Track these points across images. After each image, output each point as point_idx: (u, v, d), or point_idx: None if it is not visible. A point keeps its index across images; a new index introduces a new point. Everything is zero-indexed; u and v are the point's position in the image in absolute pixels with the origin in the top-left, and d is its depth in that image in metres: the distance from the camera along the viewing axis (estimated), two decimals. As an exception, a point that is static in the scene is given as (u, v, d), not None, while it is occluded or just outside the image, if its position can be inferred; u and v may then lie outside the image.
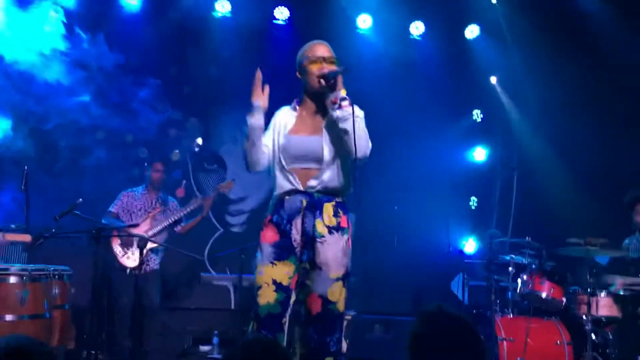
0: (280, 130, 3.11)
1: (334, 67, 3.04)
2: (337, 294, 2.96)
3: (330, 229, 2.97)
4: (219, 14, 6.95)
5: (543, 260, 5.71)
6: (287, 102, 7.12)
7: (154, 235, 5.33)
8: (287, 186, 3.02)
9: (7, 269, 3.69)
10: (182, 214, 5.51)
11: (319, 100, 3.10)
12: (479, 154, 7.78)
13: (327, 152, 3.02)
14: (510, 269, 5.62)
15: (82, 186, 5.96)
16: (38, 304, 3.71)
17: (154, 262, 5.45)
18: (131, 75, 6.69)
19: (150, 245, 5.14)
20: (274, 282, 2.95)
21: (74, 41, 6.05)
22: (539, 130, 7.29)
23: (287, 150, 3.04)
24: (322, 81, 3.01)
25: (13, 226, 3.77)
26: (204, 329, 6.27)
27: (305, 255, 3.00)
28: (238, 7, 6.90)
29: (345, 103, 2.96)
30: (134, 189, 5.62)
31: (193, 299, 6.64)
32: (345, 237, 3.01)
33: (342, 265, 2.98)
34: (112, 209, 5.44)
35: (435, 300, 6.89)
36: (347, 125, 2.94)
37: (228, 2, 6.92)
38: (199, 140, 7.09)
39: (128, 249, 5.31)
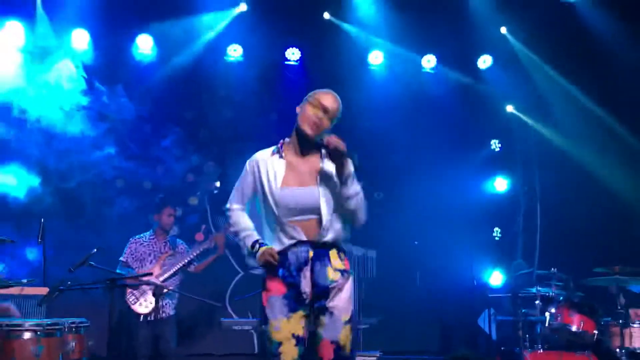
0: (270, 180, 2.97)
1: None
2: (346, 337, 2.91)
3: (342, 273, 2.96)
4: (231, 58, 7.04)
5: (570, 291, 5.52)
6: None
7: (165, 280, 5.31)
8: (289, 240, 2.94)
9: (21, 325, 3.67)
10: (192, 255, 5.48)
11: (305, 142, 3.01)
12: (500, 184, 7.66)
13: (324, 202, 2.95)
14: (537, 302, 5.44)
15: (105, 237, 5.97)
16: (53, 359, 3.67)
17: (169, 308, 5.41)
18: (150, 124, 6.80)
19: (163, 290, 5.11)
20: (294, 336, 2.90)
21: (93, 95, 6.18)
22: (560, 157, 7.16)
23: (283, 204, 2.93)
24: (327, 146, 2.91)
25: (24, 280, 3.76)
26: (227, 375, 6.18)
27: (317, 304, 2.94)
28: (250, 51, 7.00)
29: (354, 180, 2.98)
30: (142, 235, 5.61)
31: (215, 345, 6.55)
32: (351, 279, 3.00)
33: (350, 308, 2.95)
34: (123, 257, 5.45)
35: (463, 338, 6.72)
36: (355, 202, 2.98)
37: (240, 46, 7.02)
38: (217, 184, 7.12)
39: (141, 296, 5.28)
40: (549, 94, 7.06)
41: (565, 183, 7.07)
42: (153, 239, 5.58)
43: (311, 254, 2.93)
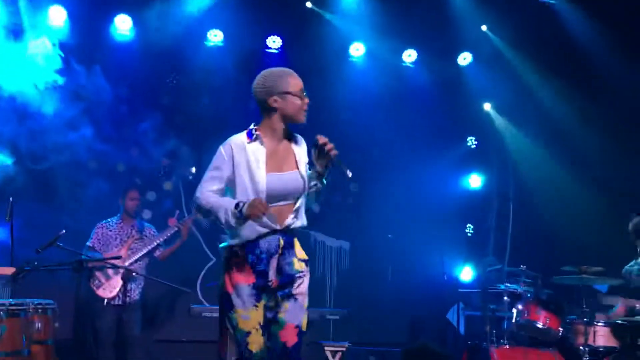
0: (252, 166, 2.91)
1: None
2: (305, 322, 2.99)
3: (305, 262, 3.00)
4: (211, 43, 6.96)
5: (538, 289, 5.61)
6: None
7: (131, 264, 5.25)
8: (263, 228, 2.90)
9: (-16, 304, 3.61)
10: (159, 240, 5.44)
11: (285, 127, 3.03)
12: (475, 180, 7.73)
13: (305, 185, 2.98)
14: (505, 298, 5.52)
15: (77, 219, 5.87)
16: (15, 340, 3.61)
17: (135, 293, 5.36)
18: (127, 106, 6.70)
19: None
20: (261, 326, 2.90)
21: (69, 74, 6.06)
22: (535, 157, 7.25)
23: (270, 190, 2.89)
24: (321, 145, 2.95)
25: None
26: (196, 362, 6.15)
27: (281, 292, 2.95)
28: (230, 36, 6.92)
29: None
30: (108, 220, 5.54)
31: (184, 331, 6.51)
32: (308, 268, 3.03)
33: (307, 295, 3.01)
34: (89, 242, 5.37)
35: (432, 331, 6.80)
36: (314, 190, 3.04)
37: (220, 32, 6.94)
38: (193, 169, 7.05)
39: (106, 281, 5.22)
40: (527, 93, 7.13)
41: (538, 183, 7.18)
42: (120, 223, 5.51)
43: (282, 242, 2.92)
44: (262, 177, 2.90)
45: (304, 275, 2.98)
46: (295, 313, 2.93)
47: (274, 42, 7.11)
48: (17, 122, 5.73)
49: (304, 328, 2.95)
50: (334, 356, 5.78)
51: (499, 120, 7.53)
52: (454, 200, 7.44)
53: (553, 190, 7.06)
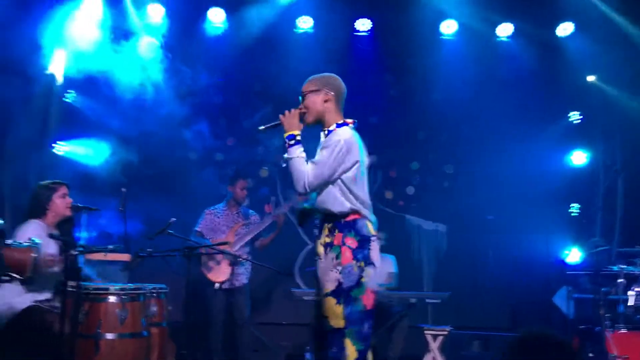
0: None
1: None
2: (328, 309, 3.00)
3: (326, 247, 3.10)
4: (301, 30, 6.99)
5: (657, 270, 5.24)
6: (372, 111, 6.97)
7: (238, 249, 5.41)
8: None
9: (107, 289, 3.82)
10: (263, 226, 5.57)
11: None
12: (578, 157, 7.31)
13: None
14: (620, 280, 5.20)
15: (183, 207, 6.11)
16: (136, 322, 3.81)
17: (243, 277, 5.54)
18: (221, 96, 6.89)
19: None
20: None
21: (172, 70, 6.32)
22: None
23: None
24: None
25: (111, 247, 3.91)
26: (298, 345, 6.27)
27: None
28: (320, 22, 6.93)
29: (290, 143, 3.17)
30: (216, 206, 5.74)
31: (285, 314, 6.65)
32: (334, 254, 3.05)
33: (332, 280, 3.01)
34: (197, 227, 5.60)
35: (536, 315, 6.51)
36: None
37: (310, 18, 6.95)
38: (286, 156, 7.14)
39: (216, 265, 5.42)
40: (636, 63, 6.63)
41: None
42: (226, 210, 5.70)
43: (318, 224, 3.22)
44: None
45: (319, 259, 3.11)
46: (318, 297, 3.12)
47: (364, 25, 7.04)
48: (126, 118, 6.03)
49: (324, 313, 3.01)
50: (434, 340, 5.70)
51: (605, 92, 7.06)
52: (557, 179, 7.08)
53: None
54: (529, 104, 6.99)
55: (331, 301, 2.98)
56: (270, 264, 5.44)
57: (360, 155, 3.13)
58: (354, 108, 7.22)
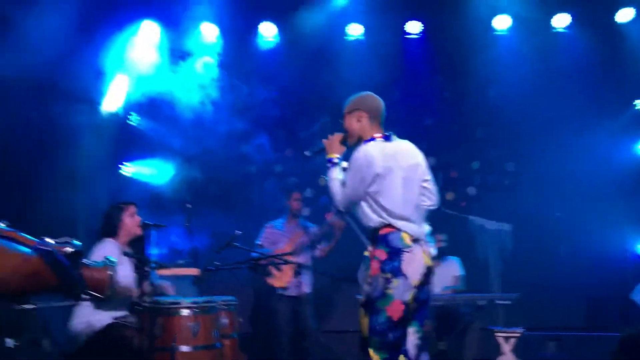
0: None
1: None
2: (360, 319, 3.19)
3: (363, 259, 3.25)
4: (352, 38, 7.02)
5: None
6: (427, 114, 6.88)
7: (299, 259, 5.47)
8: None
9: (178, 303, 3.93)
10: (320, 233, 5.65)
11: None
12: (649, 147, 7.02)
13: None
14: None
15: (245, 221, 6.24)
16: (209, 334, 3.90)
17: (306, 286, 5.60)
18: (277, 108, 6.99)
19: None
20: None
21: (229, 86, 6.48)
22: None
23: None
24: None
25: (180, 261, 4.03)
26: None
27: None
28: (370, 28, 6.93)
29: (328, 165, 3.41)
30: (276, 220, 5.88)
31: (351, 322, 6.62)
32: (365, 266, 3.19)
33: (364, 292, 3.18)
34: (259, 241, 5.72)
35: (614, 313, 6.25)
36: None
37: (360, 25, 6.97)
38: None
39: (279, 275, 5.53)
40: None
41: None
42: (285, 222, 5.84)
43: None
44: None
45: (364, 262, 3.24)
46: None
47: (414, 28, 7.00)
48: (188, 136, 6.22)
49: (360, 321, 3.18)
50: (507, 342, 5.56)
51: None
52: (625, 170, 6.81)
53: None
54: (591, 95, 6.77)
55: (361, 312, 3.15)
56: (332, 272, 5.49)
57: (386, 167, 3.16)
58: (408, 111, 7.20)
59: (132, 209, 4.34)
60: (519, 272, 6.55)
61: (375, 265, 3.09)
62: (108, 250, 3.97)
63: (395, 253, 3.07)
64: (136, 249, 4.21)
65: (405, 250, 3.08)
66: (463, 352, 5.65)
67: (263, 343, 5.47)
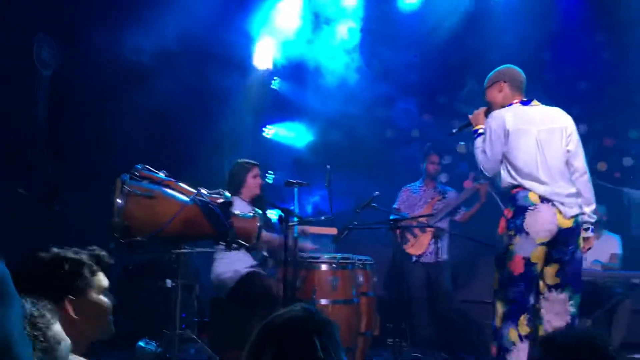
0: None
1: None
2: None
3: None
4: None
5: None
6: (581, 77, 6.42)
7: (435, 223, 5.38)
8: None
9: (318, 257, 4.08)
10: (461, 200, 5.49)
11: None
12: None
13: None
14: None
15: (382, 183, 6.28)
16: (347, 290, 4.01)
17: (443, 251, 5.48)
18: (417, 73, 6.88)
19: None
20: None
21: (371, 51, 6.49)
22: None
23: None
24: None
25: (323, 218, 4.18)
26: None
27: None
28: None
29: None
30: (413, 184, 5.78)
31: (489, 291, 6.44)
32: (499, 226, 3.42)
33: (496, 250, 3.50)
34: (395, 205, 5.67)
35: None
36: None
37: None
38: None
39: (414, 239, 5.45)
40: None
41: None
42: (422, 186, 5.74)
43: None
44: None
45: None
46: None
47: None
48: (330, 100, 6.33)
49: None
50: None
51: None
52: None
53: None
54: None
55: (495, 268, 3.38)
56: (474, 237, 5.33)
57: (517, 127, 3.32)
58: (559, 77, 6.74)
59: (255, 170, 4.52)
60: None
61: (502, 223, 3.32)
62: (238, 206, 4.07)
63: (521, 210, 3.23)
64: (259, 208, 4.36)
65: (529, 207, 3.21)
66: (610, 332, 5.29)
67: (397, 305, 5.48)
